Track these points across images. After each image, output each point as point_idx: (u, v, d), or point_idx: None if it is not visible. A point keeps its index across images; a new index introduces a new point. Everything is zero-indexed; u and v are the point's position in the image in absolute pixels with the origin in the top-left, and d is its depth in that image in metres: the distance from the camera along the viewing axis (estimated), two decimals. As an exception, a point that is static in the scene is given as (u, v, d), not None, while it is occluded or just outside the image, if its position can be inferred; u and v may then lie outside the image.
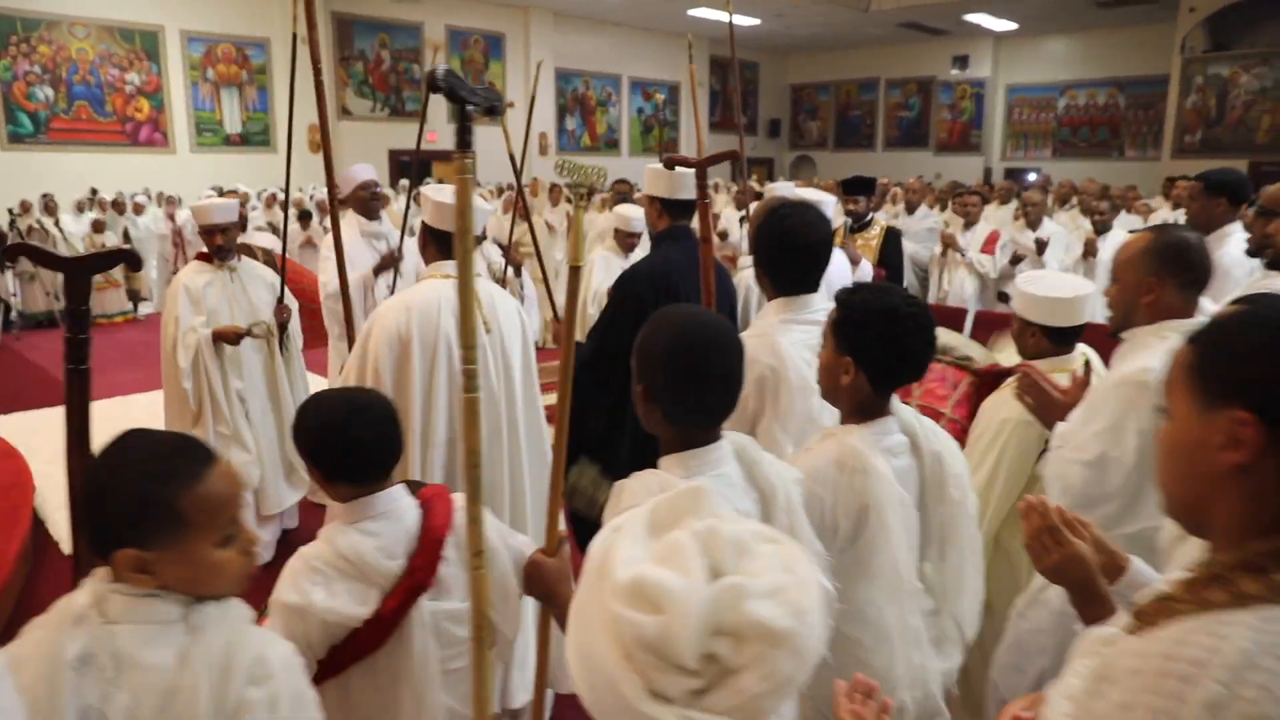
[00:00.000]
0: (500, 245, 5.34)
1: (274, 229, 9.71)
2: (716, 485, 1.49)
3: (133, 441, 1.23)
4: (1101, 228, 6.26)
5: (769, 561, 0.86)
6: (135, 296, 11.28)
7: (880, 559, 1.69)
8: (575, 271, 1.46)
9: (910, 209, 7.79)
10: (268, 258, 4.90)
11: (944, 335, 2.41)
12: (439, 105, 5.35)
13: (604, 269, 5.06)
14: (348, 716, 1.68)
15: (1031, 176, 16.90)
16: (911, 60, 22.05)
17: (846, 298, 1.76)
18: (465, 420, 1.32)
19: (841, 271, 4.60)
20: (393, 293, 4.20)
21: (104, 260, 1.56)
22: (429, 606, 1.67)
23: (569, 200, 11.23)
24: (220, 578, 1.24)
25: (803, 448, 1.94)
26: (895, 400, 1.80)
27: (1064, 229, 6.76)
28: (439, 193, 2.71)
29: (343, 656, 1.64)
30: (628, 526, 0.90)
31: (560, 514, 1.65)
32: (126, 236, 11.08)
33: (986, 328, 6.12)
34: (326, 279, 4.22)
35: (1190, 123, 17.08)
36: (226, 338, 3.99)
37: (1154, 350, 1.93)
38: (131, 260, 1.83)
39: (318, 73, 3.20)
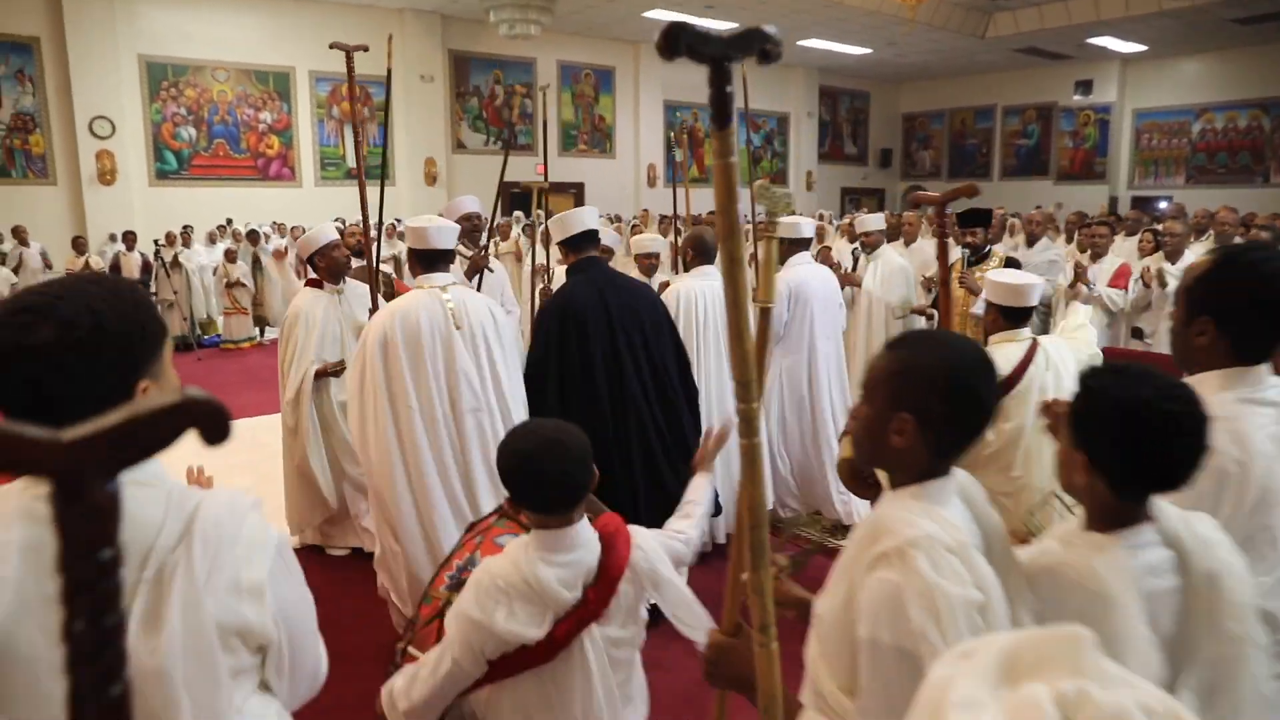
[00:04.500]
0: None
1: (396, 260, 9.97)
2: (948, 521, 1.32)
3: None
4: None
5: None
6: (262, 322, 11.90)
7: None
8: (765, 314, 1.37)
9: (1030, 241, 7.42)
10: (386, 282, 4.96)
11: None
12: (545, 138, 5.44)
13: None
14: (528, 716, 1.87)
15: (1163, 205, 15.97)
16: (1030, 86, 21.30)
17: (1090, 382, 1.43)
18: (745, 473, 1.13)
19: (826, 288, 4.98)
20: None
21: None
22: (596, 631, 1.83)
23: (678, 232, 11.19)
24: None
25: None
26: (1159, 504, 1.43)
27: (1202, 261, 6.32)
28: (416, 220, 3.29)
29: (512, 664, 1.80)
30: (979, 657, 0.68)
31: (740, 596, 1.45)
32: (256, 263, 11.74)
33: (1115, 365, 5.79)
34: None
35: (1345, 146, 15.86)
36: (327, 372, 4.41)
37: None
38: None
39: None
